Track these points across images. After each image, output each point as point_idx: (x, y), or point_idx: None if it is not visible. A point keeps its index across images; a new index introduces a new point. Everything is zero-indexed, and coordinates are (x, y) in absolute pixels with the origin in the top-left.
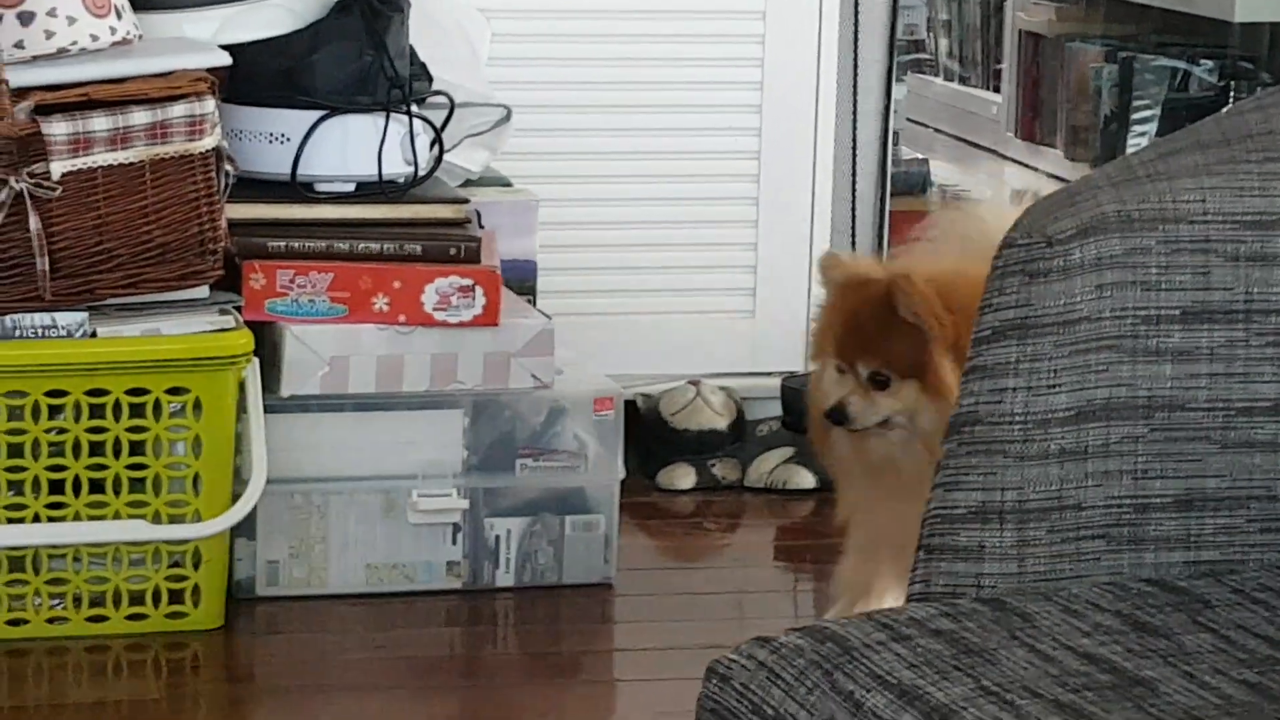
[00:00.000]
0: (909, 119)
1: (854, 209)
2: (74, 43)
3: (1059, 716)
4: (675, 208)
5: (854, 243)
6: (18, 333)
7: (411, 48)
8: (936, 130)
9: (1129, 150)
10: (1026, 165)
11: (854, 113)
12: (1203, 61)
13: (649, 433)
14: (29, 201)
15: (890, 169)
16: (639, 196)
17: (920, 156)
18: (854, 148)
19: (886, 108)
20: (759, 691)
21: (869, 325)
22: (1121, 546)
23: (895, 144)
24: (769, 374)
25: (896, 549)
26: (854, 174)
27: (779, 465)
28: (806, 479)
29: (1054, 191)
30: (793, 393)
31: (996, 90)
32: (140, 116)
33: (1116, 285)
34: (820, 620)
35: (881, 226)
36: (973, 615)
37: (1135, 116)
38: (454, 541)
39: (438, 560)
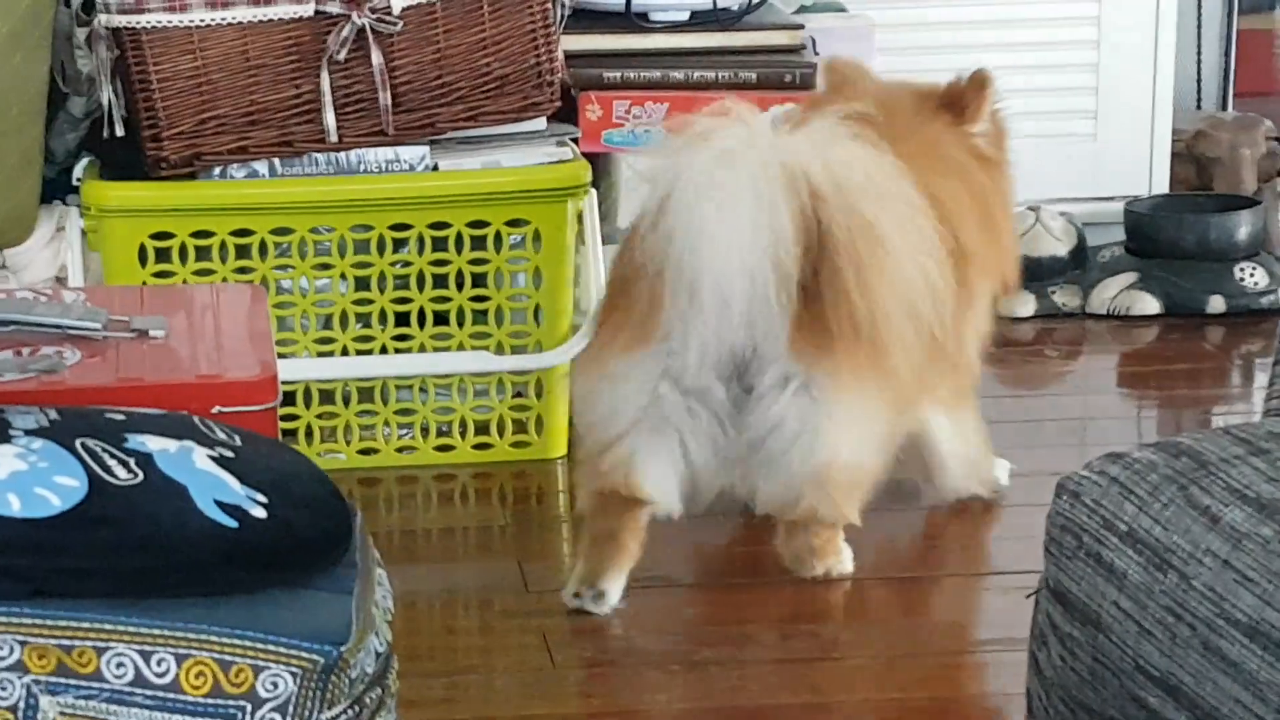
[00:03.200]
0: None
1: (1199, 27)
2: None
3: None
4: (1014, 30)
5: (1199, 63)
6: (363, 167)
7: None
8: None
9: None
10: None
11: None
12: None
13: None
14: (371, 36)
15: None
16: (976, 20)
17: None
18: None
19: None
20: (1111, 507)
21: None
22: None
23: None
24: (1111, 199)
25: None
26: None
27: (1122, 291)
28: (1150, 304)
29: None
30: (1135, 217)
31: None
32: None
33: None
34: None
35: (1229, 45)
36: None
37: None
38: None
39: None
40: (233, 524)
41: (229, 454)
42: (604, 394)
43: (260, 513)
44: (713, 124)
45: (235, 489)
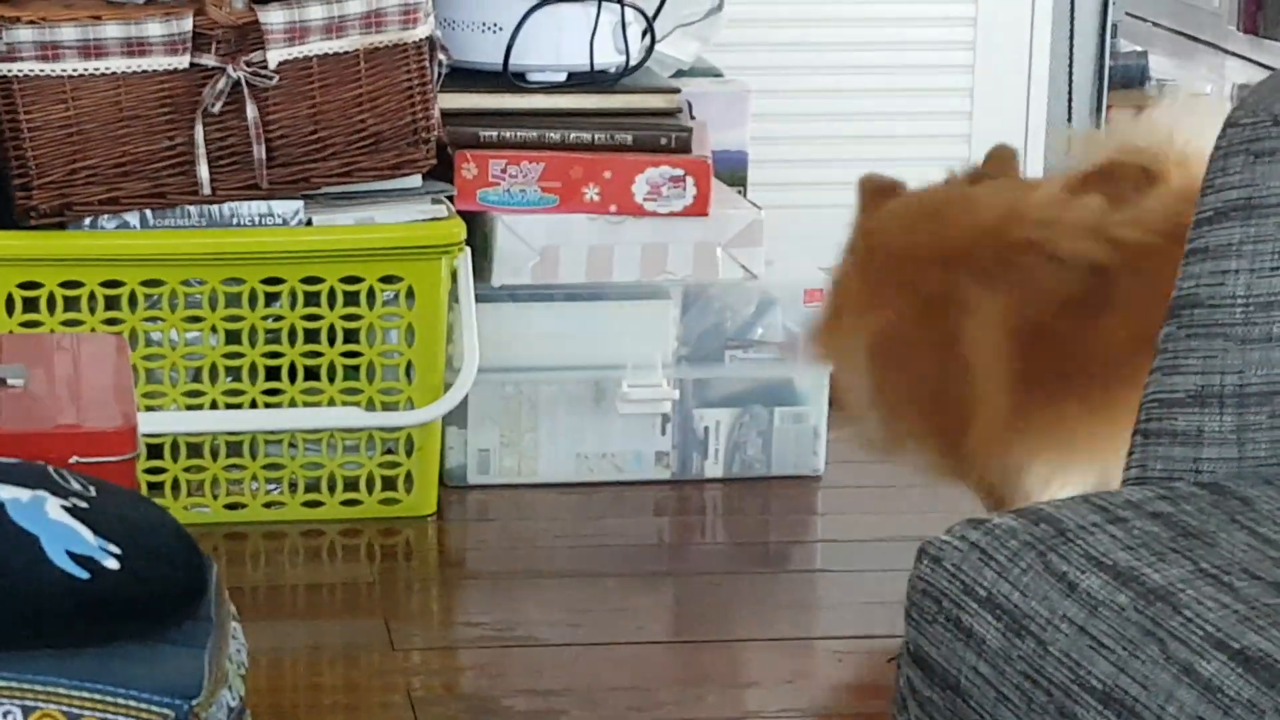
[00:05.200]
0: (1128, 12)
1: (1070, 102)
2: None
3: (1279, 598)
4: (888, 99)
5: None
6: (235, 221)
7: None
8: (1156, 24)
9: None
10: (1248, 59)
11: (1071, 5)
12: None
13: None
14: (246, 90)
15: (1108, 62)
16: (851, 87)
17: (1139, 50)
18: (1071, 40)
19: (1105, 0)
20: (971, 573)
21: None
22: None
23: (1113, 37)
24: None
25: None
26: (1070, 67)
27: None
28: None
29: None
30: None
31: None
32: (355, 5)
33: None
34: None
35: (1098, 120)
36: (1190, 499)
37: None
38: (663, 432)
39: (647, 450)
40: (85, 575)
41: (83, 504)
42: None
43: (113, 564)
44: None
45: (88, 540)
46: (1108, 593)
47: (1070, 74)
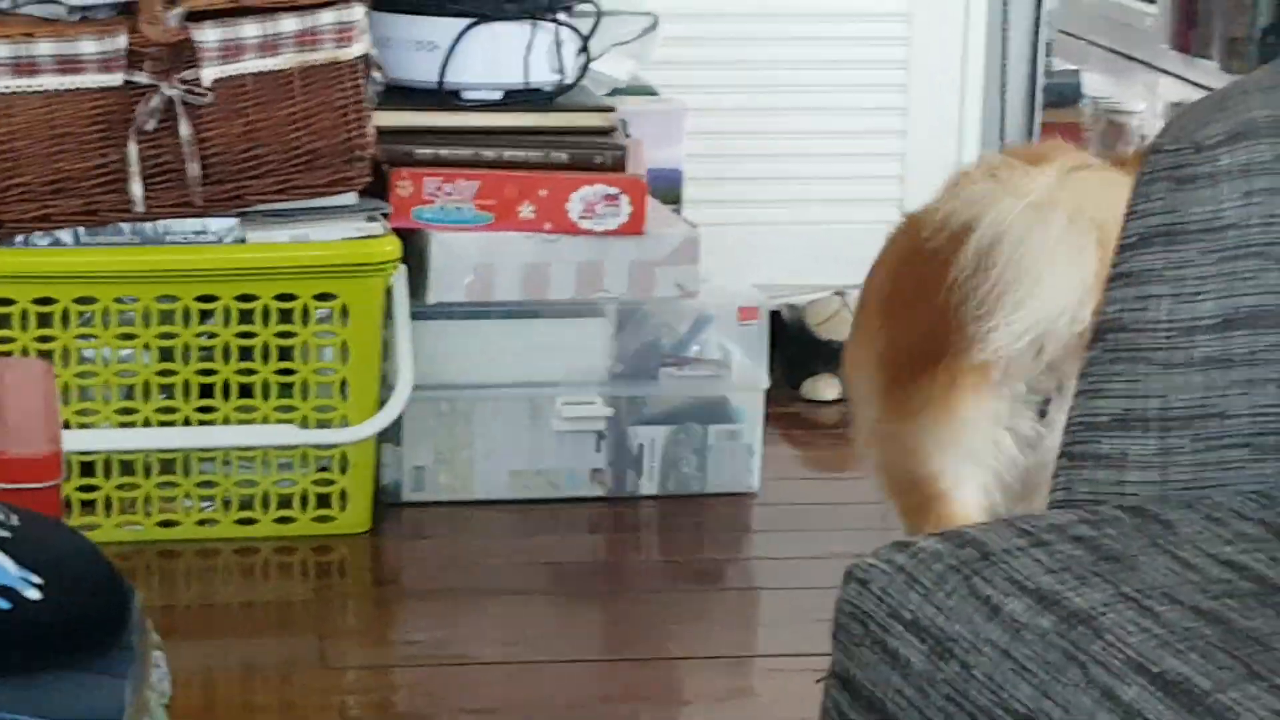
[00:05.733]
0: (1061, 30)
1: (1003, 120)
2: None
3: (1199, 623)
4: (822, 117)
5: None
6: (169, 238)
7: None
8: (1089, 42)
9: None
10: (1181, 77)
11: (1005, 23)
12: None
13: (794, 343)
14: (180, 108)
15: (1041, 80)
16: (785, 106)
17: (1072, 68)
18: (1004, 58)
19: (1038, 18)
20: (897, 595)
21: None
22: (1266, 455)
23: (1047, 55)
24: None
25: None
26: (1004, 85)
27: None
28: None
29: (1203, 97)
30: None
31: (1151, 0)
32: (289, 23)
33: (1265, 191)
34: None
35: (1031, 138)
36: (1114, 522)
37: None
38: (598, 449)
39: (582, 467)
40: (5, 605)
41: (5, 534)
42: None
43: (34, 594)
44: (1016, 172)
45: (10, 570)
46: (1030, 616)
47: (1003, 92)
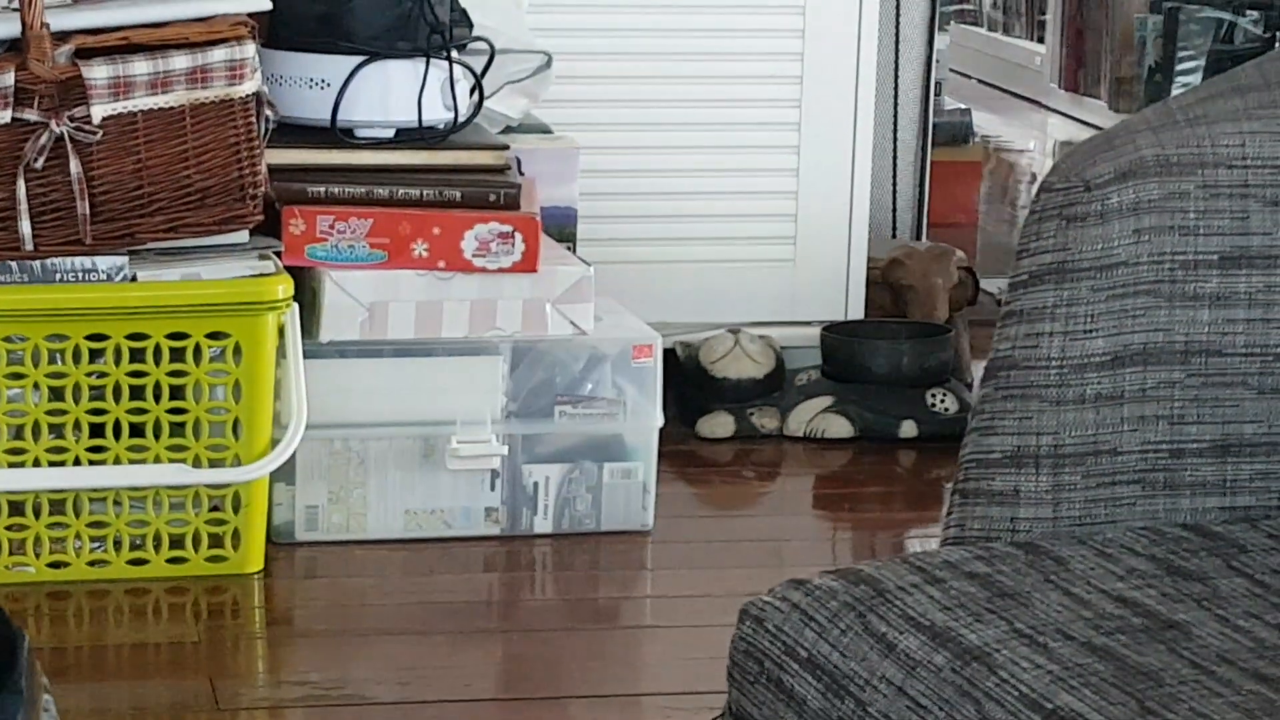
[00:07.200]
0: (952, 69)
1: (895, 159)
2: None
3: (1092, 659)
4: (716, 155)
5: (895, 193)
6: (58, 276)
7: None
8: (980, 81)
9: None
10: (1069, 116)
11: (896, 62)
12: (1248, 13)
13: (688, 381)
14: (69, 145)
15: (932, 119)
16: (679, 144)
17: (963, 107)
18: (895, 97)
19: (929, 57)
20: (792, 633)
21: None
22: (1157, 492)
23: (938, 94)
24: (808, 323)
25: None
26: (895, 124)
27: (817, 414)
28: (844, 428)
29: (1092, 136)
30: (831, 341)
31: (1040, 40)
32: (180, 61)
33: (1154, 230)
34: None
35: (922, 177)
36: (1006, 559)
37: (1180, 68)
38: (492, 488)
39: (476, 506)
40: None
41: None
42: None
43: None
44: None
45: None
46: (925, 653)
47: (895, 131)
